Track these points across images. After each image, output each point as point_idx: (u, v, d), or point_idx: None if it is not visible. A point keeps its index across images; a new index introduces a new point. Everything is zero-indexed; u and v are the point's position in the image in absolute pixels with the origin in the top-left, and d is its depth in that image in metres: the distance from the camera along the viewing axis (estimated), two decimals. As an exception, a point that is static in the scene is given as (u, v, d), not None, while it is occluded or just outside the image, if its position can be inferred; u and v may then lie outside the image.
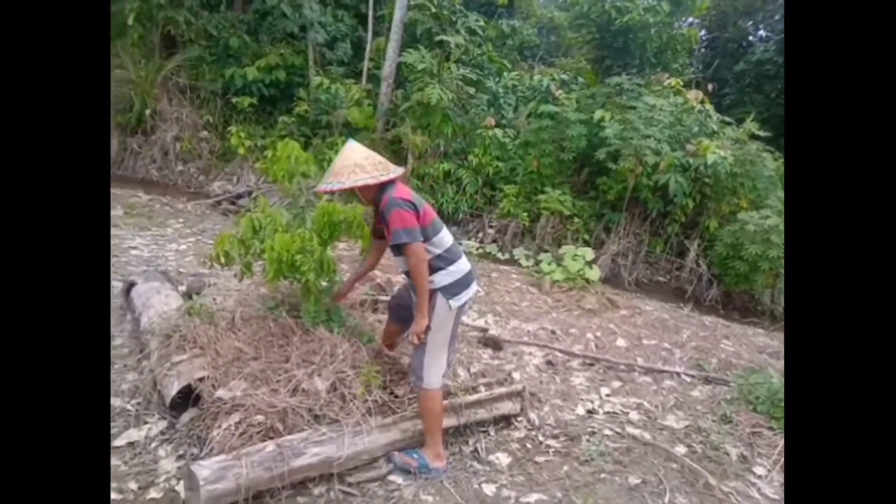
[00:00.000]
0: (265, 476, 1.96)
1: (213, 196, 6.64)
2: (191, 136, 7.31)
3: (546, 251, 5.90)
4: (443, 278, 2.27)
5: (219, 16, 7.56)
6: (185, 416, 2.29)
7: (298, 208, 2.89)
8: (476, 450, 2.55)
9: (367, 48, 7.92)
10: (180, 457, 2.15)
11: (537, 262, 5.46)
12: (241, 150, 6.87)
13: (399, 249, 2.22)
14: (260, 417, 2.20)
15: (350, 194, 2.39)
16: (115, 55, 7.23)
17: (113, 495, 1.90)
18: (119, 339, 2.81)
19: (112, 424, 2.24)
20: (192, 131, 7.40)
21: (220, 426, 2.15)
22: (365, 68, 7.89)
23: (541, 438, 2.75)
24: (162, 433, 2.25)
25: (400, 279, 3.48)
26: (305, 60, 7.75)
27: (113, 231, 4.39)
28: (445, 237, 2.35)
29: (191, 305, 2.67)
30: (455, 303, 2.27)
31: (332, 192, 2.30)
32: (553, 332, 4.06)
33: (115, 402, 2.36)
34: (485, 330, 3.86)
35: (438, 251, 2.28)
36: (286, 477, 2.01)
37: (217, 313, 2.76)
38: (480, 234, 6.69)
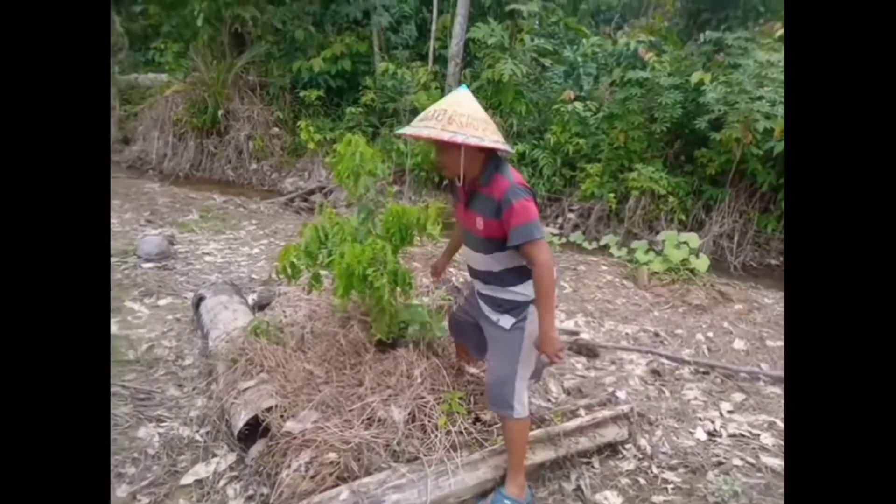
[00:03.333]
0: (339, 533, 1.69)
1: (285, 193, 6.62)
2: (263, 133, 7.34)
3: (638, 237, 5.27)
4: (531, 289, 1.86)
5: (284, 9, 7.47)
6: (254, 450, 2.09)
7: (367, 210, 2.60)
8: (579, 487, 2.16)
9: (433, 27, 7.52)
10: (249, 498, 1.95)
11: (630, 251, 4.86)
12: (311, 145, 6.80)
13: (503, 247, 1.78)
14: (332, 455, 1.94)
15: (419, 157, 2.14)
16: (189, 58, 7.37)
17: (178, 548, 1.72)
18: (189, 358, 2.69)
19: (180, 458, 2.08)
20: (264, 128, 7.42)
21: (289, 465, 1.92)
22: (431, 49, 7.50)
23: (655, 471, 2.30)
24: (231, 468, 2.06)
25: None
26: (370, 47, 7.50)
27: (188, 236, 4.38)
28: None
29: (256, 325, 2.47)
30: (537, 322, 1.87)
31: (436, 141, 1.71)
32: (656, 335, 3.52)
33: (184, 431, 2.21)
34: (576, 333, 3.41)
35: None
36: (363, 533, 1.74)
37: (286, 329, 2.55)
38: (560, 220, 6.15)
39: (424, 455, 1.99)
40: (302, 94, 7.23)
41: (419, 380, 2.29)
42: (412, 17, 8.02)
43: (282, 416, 2.08)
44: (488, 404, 2.01)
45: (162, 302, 3.22)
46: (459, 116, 1.66)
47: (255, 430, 2.10)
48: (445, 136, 1.62)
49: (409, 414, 2.14)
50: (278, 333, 2.45)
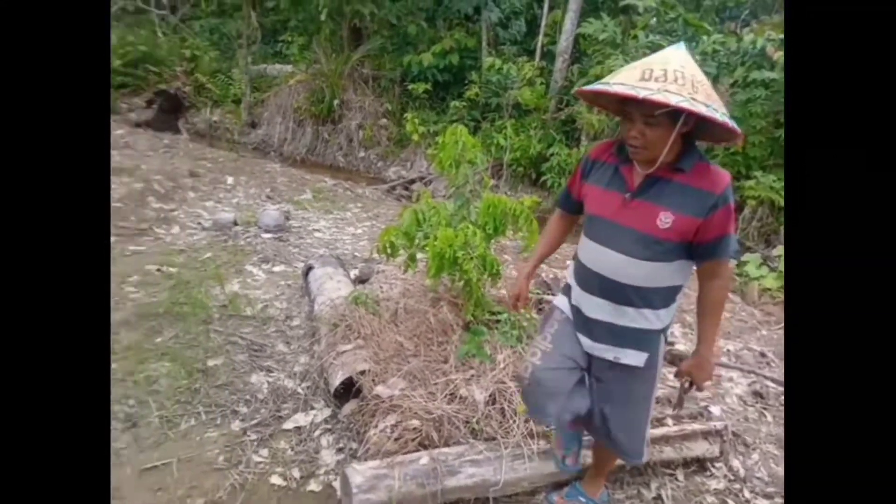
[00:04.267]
0: (417, 493, 1.81)
1: (388, 181, 6.96)
2: (372, 123, 7.76)
3: (751, 250, 4.87)
4: (672, 314, 1.54)
5: (399, 4, 7.82)
6: (347, 408, 2.28)
7: (464, 199, 2.70)
8: (660, 497, 2.10)
9: (542, 23, 7.46)
10: (340, 450, 2.14)
11: (741, 264, 4.52)
12: (416, 137, 7.06)
13: (673, 257, 1.42)
14: (416, 422, 2.07)
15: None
16: (311, 50, 7.97)
17: (277, 481, 1.95)
18: (297, 320, 2.97)
19: (283, 405, 2.34)
20: (374, 119, 7.84)
21: (376, 426, 2.08)
22: (539, 44, 7.45)
23: (747, 495, 2.17)
24: (325, 421, 2.27)
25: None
26: (478, 42, 7.62)
27: (301, 213, 4.79)
28: None
29: (357, 295, 2.67)
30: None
31: (662, 106, 1.23)
32: (762, 355, 3.27)
33: (288, 383, 2.46)
34: (671, 344, 3.26)
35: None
36: (439, 497, 1.84)
37: (382, 303, 2.73)
38: (663, 226, 5.84)
39: (502, 437, 2.05)
40: (410, 87, 7.53)
41: (502, 365, 2.35)
42: (522, 12, 8.01)
43: (373, 381, 2.25)
44: (619, 454, 1.74)
45: (276, 269, 3.58)
46: (702, 84, 1.25)
47: (348, 389, 2.30)
48: (704, 111, 1.20)
49: (490, 396, 2.21)
50: (375, 306, 2.64)
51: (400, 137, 7.65)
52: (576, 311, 1.61)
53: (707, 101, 1.22)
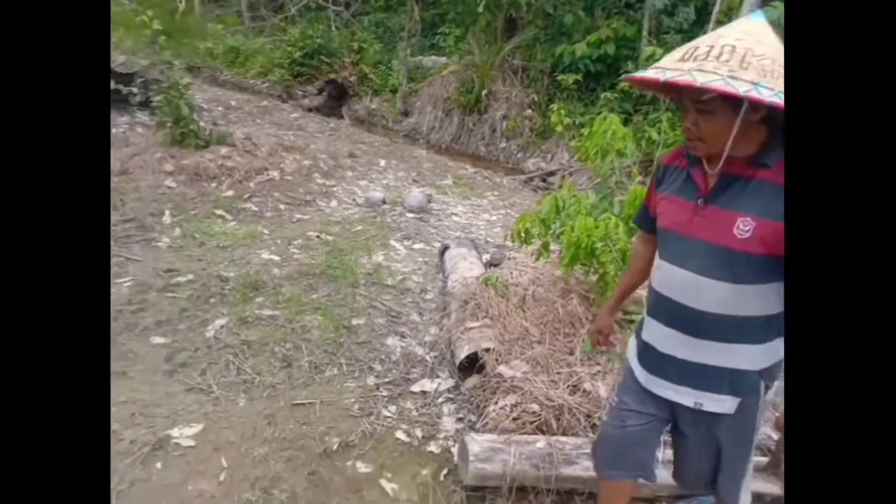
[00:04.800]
0: (531, 473, 1.84)
1: (527, 172, 6.95)
2: (516, 114, 7.79)
3: None
4: (776, 353, 1.23)
5: (557, -6, 7.69)
6: (469, 382, 2.38)
7: (607, 190, 2.61)
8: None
9: (715, 9, 6.76)
10: (459, 419, 2.24)
11: None
12: (559, 128, 6.93)
13: (769, 277, 1.13)
14: (535, 406, 2.09)
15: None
16: (466, 42, 8.22)
17: (402, 436, 2.11)
18: (430, 294, 3.15)
19: (412, 370, 2.51)
20: (518, 109, 7.86)
21: (496, 402, 2.14)
22: (710, 32, 6.78)
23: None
24: (448, 391, 2.39)
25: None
26: (638, 31, 7.18)
27: (441, 198, 5.02)
28: None
29: (488, 277, 2.75)
30: (772, 390, 1.28)
31: (691, 88, 1.04)
32: None
33: (418, 350, 2.64)
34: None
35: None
36: (552, 482, 1.85)
37: (511, 287, 2.78)
38: None
39: (623, 437, 1.98)
40: (560, 77, 7.39)
41: (631, 365, 2.25)
42: (693, -2, 7.34)
43: (496, 360, 2.31)
44: None
45: (416, 246, 3.83)
46: (760, 59, 1.01)
47: (472, 364, 2.39)
48: (741, 90, 0.97)
49: (615, 394, 2.14)
50: (504, 289, 2.69)
51: (543, 129, 7.57)
52: (649, 349, 1.33)
53: (757, 79, 0.98)
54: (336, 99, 9.39)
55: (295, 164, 5.12)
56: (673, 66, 1.08)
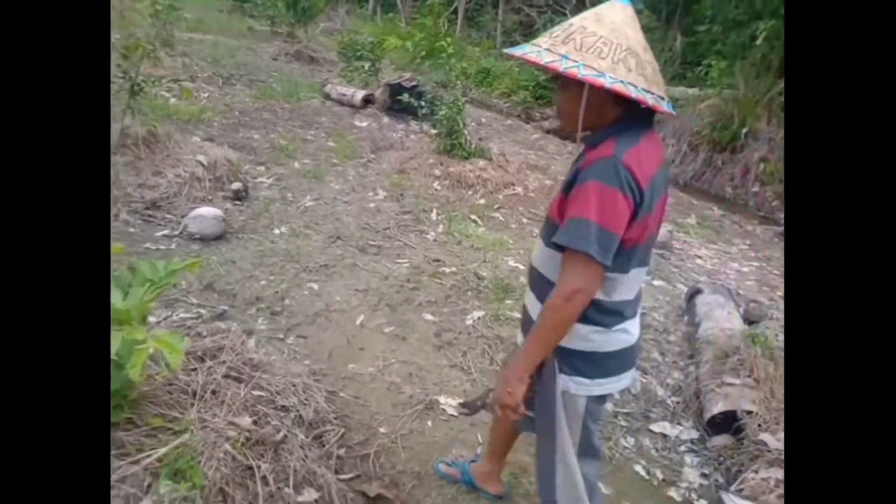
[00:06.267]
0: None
1: (781, 224, 6.09)
2: (778, 157, 6.88)
3: None
4: (583, 342, 1.25)
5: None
6: (719, 440, 2.23)
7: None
8: None
9: None
10: (704, 475, 2.12)
11: None
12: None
13: (558, 248, 1.17)
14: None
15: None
16: (731, 74, 7.57)
17: (640, 471, 2.10)
18: (673, 336, 3.03)
19: (652, 408, 2.46)
20: (780, 153, 6.93)
21: (756, 472, 1.97)
22: None
23: None
24: (692, 442, 2.28)
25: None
26: None
27: (683, 236, 4.74)
28: (638, 278, 1.28)
29: (755, 334, 2.53)
30: (576, 387, 1.28)
31: (523, 60, 1.17)
32: None
33: (659, 391, 2.57)
34: None
35: (610, 297, 1.23)
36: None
37: (776, 352, 2.50)
38: None
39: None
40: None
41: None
42: None
43: (759, 426, 2.12)
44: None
45: (656, 282, 3.70)
46: (586, 35, 1.09)
47: (725, 422, 2.23)
48: (544, 60, 1.09)
49: None
50: (773, 351, 2.44)
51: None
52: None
53: (572, 54, 1.08)
54: (573, 123, 9.58)
55: (537, 182, 5.41)
56: (532, 42, 1.17)
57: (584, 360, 1.26)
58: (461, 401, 1.48)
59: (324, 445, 1.97)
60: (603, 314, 1.23)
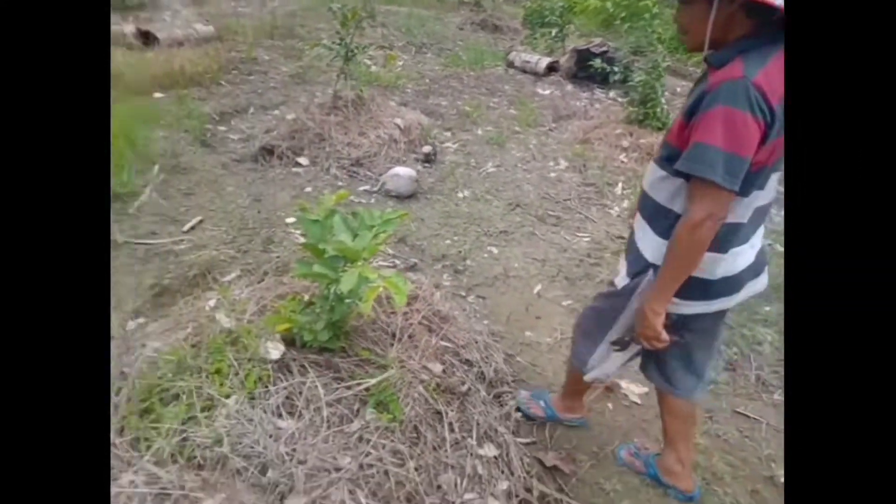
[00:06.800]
0: None
1: None
2: None
3: None
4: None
5: None
6: None
7: None
8: None
9: None
10: None
11: None
12: None
13: (683, 176, 1.17)
14: None
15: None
16: None
17: None
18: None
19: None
20: None
21: None
22: None
23: None
24: None
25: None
26: None
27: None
28: (764, 197, 1.22)
29: None
30: (682, 307, 1.30)
31: None
32: None
33: None
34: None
35: (732, 219, 1.19)
36: None
37: None
38: None
39: None
40: None
41: None
42: None
43: None
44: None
45: None
46: None
47: None
48: None
49: None
50: None
51: None
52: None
53: None
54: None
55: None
56: None
57: (685, 285, 1.24)
58: (613, 340, 1.53)
59: (503, 406, 1.99)
60: (717, 238, 1.19)
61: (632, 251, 1.38)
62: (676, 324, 1.35)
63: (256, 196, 3.32)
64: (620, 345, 1.54)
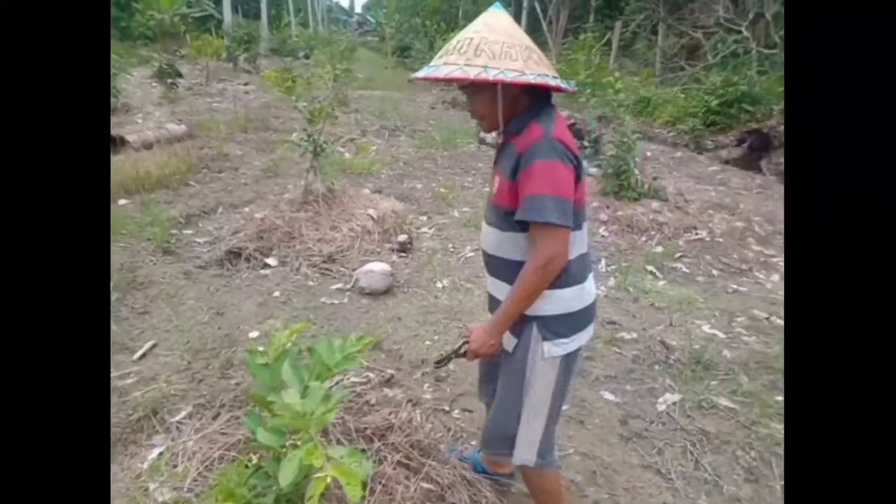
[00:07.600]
0: None
1: None
2: None
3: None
4: (551, 304, 1.36)
5: None
6: None
7: None
8: None
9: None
10: None
11: None
12: None
13: (523, 226, 1.31)
14: None
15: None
16: None
17: None
18: None
19: None
20: None
21: None
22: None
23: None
24: None
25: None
26: None
27: None
28: (585, 235, 1.41)
29: None
30: (556, 349, 1.38)
31: (439, 81, 1.26)
32: None
33: None
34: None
35: (571, 255, 1.34)
36: None
37: None
38: None
39: None
40: None
41: None
42: None
43: None
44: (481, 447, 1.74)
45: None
46: (490, 45, 1.23)
47: None
48: (472, 74, 1.20)
49: None
50: None
51: None
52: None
53: (490, 63, 1.20)
54: (757, 150, 8.32)
55: (725, 224, 4.65)
56: (431, 64, 1.28)
57: (563, 322, 1.37)
58: (435, 358, 1.62)
59: (499, 560, 1.69)
60: (572, 272, 1.35)
61: (496, 306, 1.47)
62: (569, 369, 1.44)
63: (219, 308, 3.08)
64: (442, 363, 1.62)
